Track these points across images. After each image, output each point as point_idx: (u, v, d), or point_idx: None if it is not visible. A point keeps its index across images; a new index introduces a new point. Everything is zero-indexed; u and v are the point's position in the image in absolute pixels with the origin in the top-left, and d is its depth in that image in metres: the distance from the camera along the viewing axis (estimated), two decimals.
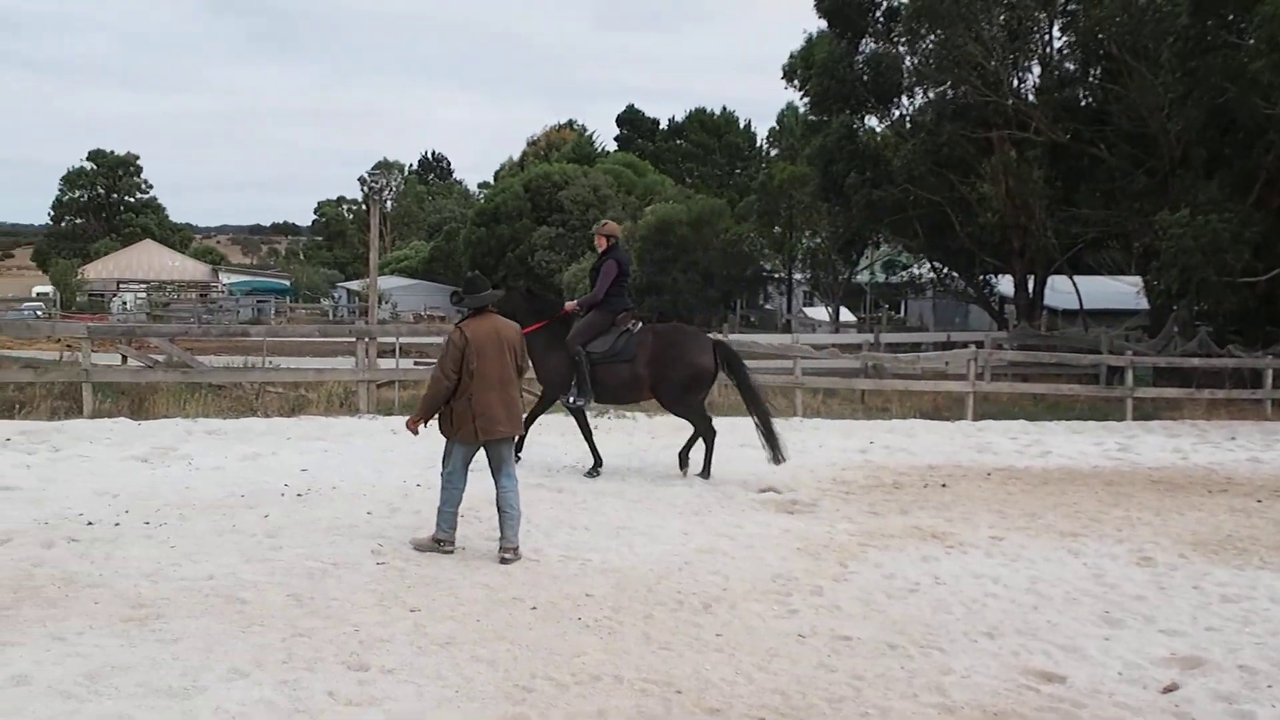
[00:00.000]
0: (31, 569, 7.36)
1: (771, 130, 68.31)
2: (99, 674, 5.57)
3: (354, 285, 76.69)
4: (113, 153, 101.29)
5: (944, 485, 11.98)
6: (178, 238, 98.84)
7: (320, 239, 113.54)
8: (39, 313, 51.46)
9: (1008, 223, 31.43)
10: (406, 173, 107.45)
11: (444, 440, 8.36)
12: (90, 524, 8.64)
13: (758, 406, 11.66)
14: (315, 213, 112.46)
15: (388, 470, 11.18)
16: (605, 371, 11.47)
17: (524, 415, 9.64)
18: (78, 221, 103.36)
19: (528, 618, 6.86)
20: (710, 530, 9.40)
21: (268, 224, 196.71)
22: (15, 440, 12.11)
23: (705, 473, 11.63)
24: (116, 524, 8.67)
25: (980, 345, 23.24)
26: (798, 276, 51.10)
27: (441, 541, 8.26)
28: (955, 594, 7.77)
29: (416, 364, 19.55)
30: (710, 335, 12.72)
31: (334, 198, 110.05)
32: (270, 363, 18.21)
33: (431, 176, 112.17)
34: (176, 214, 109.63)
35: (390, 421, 14.23)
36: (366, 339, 16.21)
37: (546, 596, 7.30)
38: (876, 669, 6.23)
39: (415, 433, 8.47)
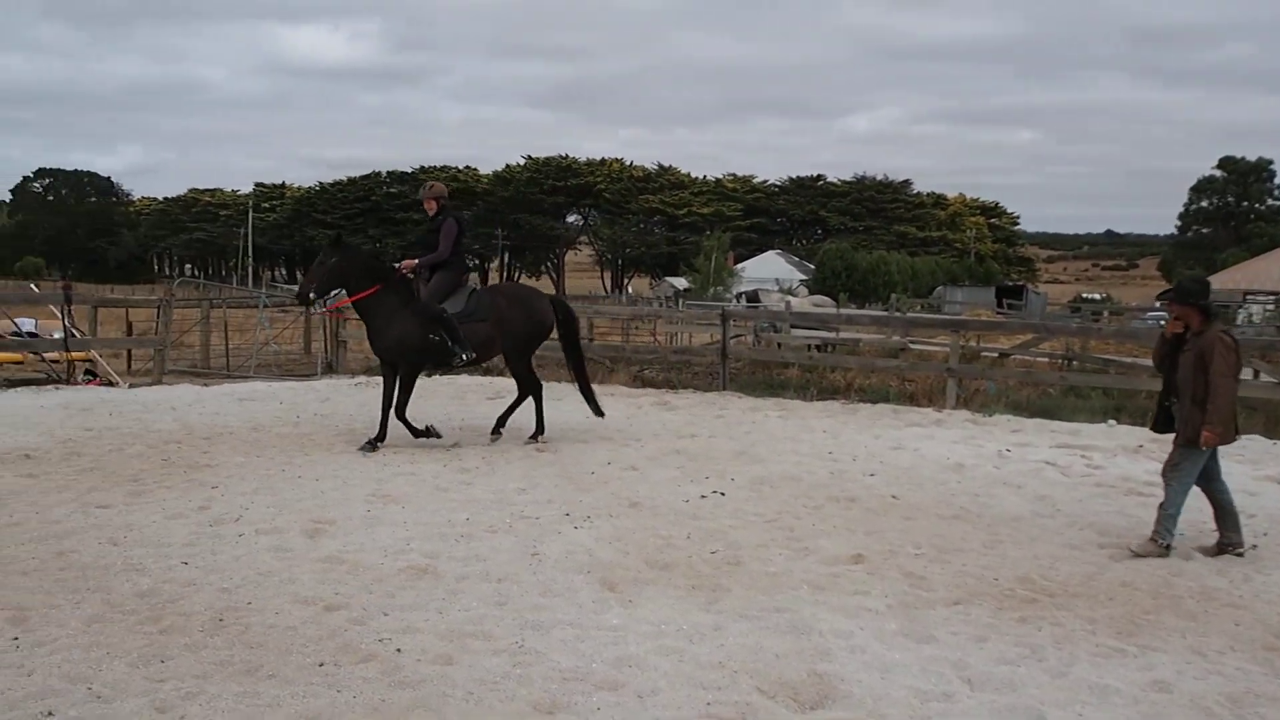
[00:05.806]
0: (1170, 578, 7.51)
1: None
2: (1241, 699, 5.46)
3: None
4: (1244, 159, 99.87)
5: None
6: None
7: None
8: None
9: None
10: None
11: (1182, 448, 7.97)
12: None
13: (579, 367, 12.31)
14: None
15: None
16: (466, 332, 11.30)
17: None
18: (1204, 230, 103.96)
19: None
20: None
21: None
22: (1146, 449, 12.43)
23: (538, 432, 11.80)
24: (1253, 545, 8.44)
25: None
26: None
27: (1168, 545, 8.02)
28: None
29: None
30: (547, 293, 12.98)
31: None
32: None
33: None
34: None
35: None
36: None
37: None
38: None
39: (1212, 444, 7.84)
